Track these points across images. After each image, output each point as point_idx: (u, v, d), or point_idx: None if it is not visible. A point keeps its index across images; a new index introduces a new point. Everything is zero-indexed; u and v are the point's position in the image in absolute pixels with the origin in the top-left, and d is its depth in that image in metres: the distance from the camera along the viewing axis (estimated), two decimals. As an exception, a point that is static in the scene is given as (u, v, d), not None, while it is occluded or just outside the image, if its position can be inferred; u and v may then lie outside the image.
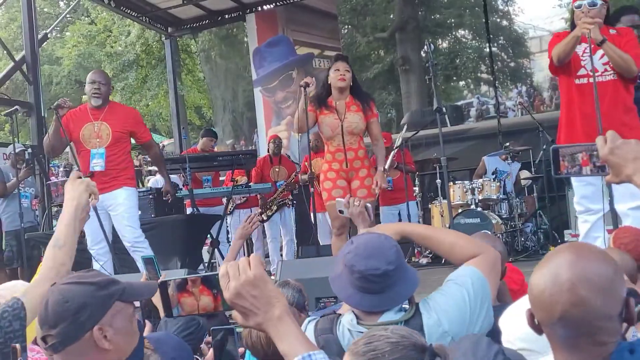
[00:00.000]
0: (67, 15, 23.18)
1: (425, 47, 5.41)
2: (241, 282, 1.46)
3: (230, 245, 8.14)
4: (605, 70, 4.27)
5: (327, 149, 5.30)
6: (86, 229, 5.25)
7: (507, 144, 8.52)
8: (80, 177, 2.43)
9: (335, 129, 5.09)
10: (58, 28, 25.31)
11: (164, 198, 6.01)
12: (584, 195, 4.32)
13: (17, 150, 7.56)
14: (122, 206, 5.38)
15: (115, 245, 5.50)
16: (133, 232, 5.39)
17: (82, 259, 5.32)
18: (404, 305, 1.97)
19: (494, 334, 1.94)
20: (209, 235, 7.23)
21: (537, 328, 1.42)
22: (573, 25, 4.40)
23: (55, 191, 7.20)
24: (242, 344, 2.22)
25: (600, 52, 4.22)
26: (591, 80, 4.20)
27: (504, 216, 7.64)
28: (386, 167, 5.11)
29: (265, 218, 7.85)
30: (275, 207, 7.86)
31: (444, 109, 5.31)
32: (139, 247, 5.35)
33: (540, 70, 19.54)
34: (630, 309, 1.37)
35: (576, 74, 4.37)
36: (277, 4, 11.15)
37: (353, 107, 5.15)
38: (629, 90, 4.33)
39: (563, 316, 1.33)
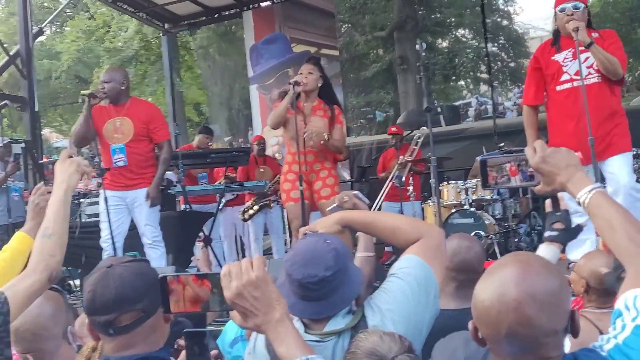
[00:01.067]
0: (67, 11, 23.16)
1: (417, 46, 5.38)
2: (243, 282, 1.46)
3: (222, 242, 8.15)
4: (589, 73, 4.30)
5: (288, 149, 5.32)
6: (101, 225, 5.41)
7: (502, 144, 8.50)
8: (71, 157, 2.30)
9: (299, 130, 5.07)
10: (58, 23, 25.33)
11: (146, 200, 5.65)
12: (571, 196, 4.33)
13: (4, 142, 7.48)
14: (146, 205, 5.49)
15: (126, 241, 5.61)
16: (153, 231, 5.55)
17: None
18: (354, 308, 1.92)
19: None
20: (201, 233, 7.22)
21: (482, 342, 1.41)
22: (556, 30, 4.46)
23: (48, 173, 7.13)
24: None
25: (583, 55, 4.24)
26: (575, 84, 4.25)
27: (497, 217, 7.62)
28: (329, 139, 5.12)
29: (246, 217, 7.85)
30: (257, 207, 7.84)
31: (438, 109, 5.32)
32: (156, 245, 5.53)
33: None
34: (575, 322, 1.37)
35: (558, 80, 4.43)
36: (275, 1, 11.13)
37: (319, 112, 5.17)
38: (614, 92, 4.36)
39: (509, 334, 1.32)
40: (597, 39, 4.30)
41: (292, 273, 1.87)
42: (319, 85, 5.19)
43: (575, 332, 1.38)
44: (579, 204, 1.67)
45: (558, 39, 4.50)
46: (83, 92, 5.36)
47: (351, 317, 1.89)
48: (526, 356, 1.34)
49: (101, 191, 5.46)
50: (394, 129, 8.63)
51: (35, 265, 2.04)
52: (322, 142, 5.08)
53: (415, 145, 7.31)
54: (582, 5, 4.32)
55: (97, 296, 1.66)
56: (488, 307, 1.35)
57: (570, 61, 4.37)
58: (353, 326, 1.86)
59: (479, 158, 8.39)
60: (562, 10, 4.35)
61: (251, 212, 7.86)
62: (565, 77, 4.39)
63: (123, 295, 1.64)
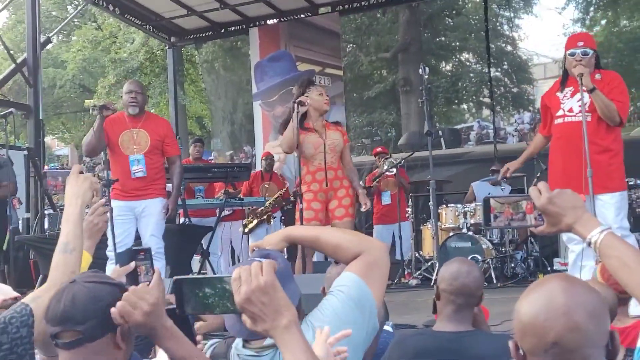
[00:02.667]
0: (75, 20, 23.31)
1: (420, 70, 5.45)
2: (252, 287, 1.47)
3: (220, 256, 8.17)
4: (580, 111, 4.41)
5: (306, 169, 5.34)
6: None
7: (493, 167, 8.55)
8: (82, 172, 2.31)
9: (318, 147, 5.16)
10: (65, 32, 25.46)
11: (166, 218, 5.88)
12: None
13: None
14: (155, 216, 5.60)
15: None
16: (157, 242, 5.59)
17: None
18: None
19: None
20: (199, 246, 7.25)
21: (522, 359, 1.40)
22: (565, 70, 4.62)
23: (53, 182, 7.11)
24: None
25: (578, 94, 4.39)
26: (567, 119, 4.48)
27: (495, 241, 7.65)
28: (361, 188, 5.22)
29: (246, 231, 7.89)
30: (255, 221, 7.88)
31: (439, 132, 5.40)
32: (158, 257, 5.51)
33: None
34: (615, 342, 1.37)
35: (555, 115, 4.61)
36: (281, 19, 11.22)
37: (332, 127, 5.30)
38: (609, 131, 4.45)
39: (557, 342, 1.32)
40: (599, 81, 4.46)
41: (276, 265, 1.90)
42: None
43: (614, 354, 1.38)
44: (589, 244, 1.70)
45: (566, 79, 4.66)
46: (94, 103, 5.44)
47: None
48: None
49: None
50: (379, 149, 8.71)
51: (58, 280, 2.05)
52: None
53: (391, 169, 7.42)
54: (590, 52, 4.49)
55: (50, 308, 1.70)
56: (535, 314, 1.35)
57: (568, 99, 4.58)
58: None
59: (473, 184, 8.49)
60: (572, 54, 4.52)
61: (251, 225, 7.90)
62: (559, 112, 4.59)
63: (68, 314, 1.66)
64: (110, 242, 5.45)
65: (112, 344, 1.70)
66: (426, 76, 5.20)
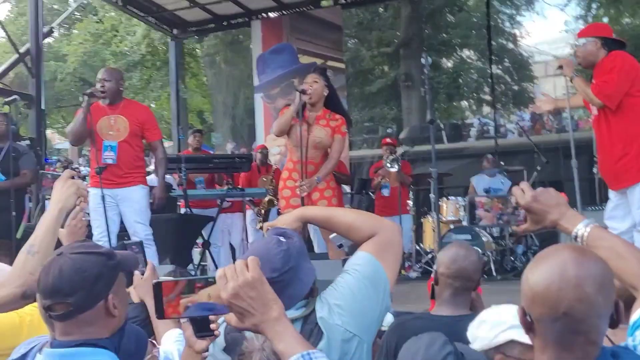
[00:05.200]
0: (76, 13, 23.29)
1: (422, 60, 5.46)
2: (239, 283, 1.49)
3: (222, 248, 8.19)
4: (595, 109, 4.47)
5: (289, 156, 5.36)
6: (94, 222, 5.41)
7: (489, 155, 8.61)
8: (73, 177, 2.35)
9: (302, 139, 5.07)
10: (66, 25, 25.44)
11: (151, 201, 5.80)
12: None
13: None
14: (138, 204, 5.53)
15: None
16: (145, 229, 5.54)
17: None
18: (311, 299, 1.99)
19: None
20: (200, 237, 7.26)
21: (529, 326, 1.44)
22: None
23: (46, 183, 7.12)
24: None
25: None
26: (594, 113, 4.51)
27: (495, 235, 7.67)
28: (320, 177, 5.13)
29: (262, 225, 7.86)
30: (263, 212, 7.88)
31: (440, 124, 5.39)
32: (149, 243, 5.47)
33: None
34: (620, 311, 1.42)
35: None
36: (283, 12, 11.23)
37: (322, 122, 5.17)
38: (611, 122, 4.40)
39: (567, 312, 1.36)
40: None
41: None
42: (325, 94, 5.19)
43: (617, 322, 1.44)
44: (575, 238, 1.75)
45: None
46: (85, 92, 5.46)
47: (304, 308, 1.96)
48: (576, 337, 1.39)
49: (90, 189, 5.33)
50: (388, 140, 8.68)
51: (14, 279, 2.09)
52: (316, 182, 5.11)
53: (393, 166, 7.43)
54: (584, 40, 4.54)
55: (41, 281, 1.71)
56: (548, 284, 1.39)
57: None
58: (305, 316, 1.93)
59: (472, 179, 8.52)
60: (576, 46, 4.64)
61: (262, 218, 7.87)
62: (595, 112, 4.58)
63: (57, 287, 1.68)
64: (95, 230, 5.42)
65: (104, 312, 1.71)
66: (429, 66, 5.18)
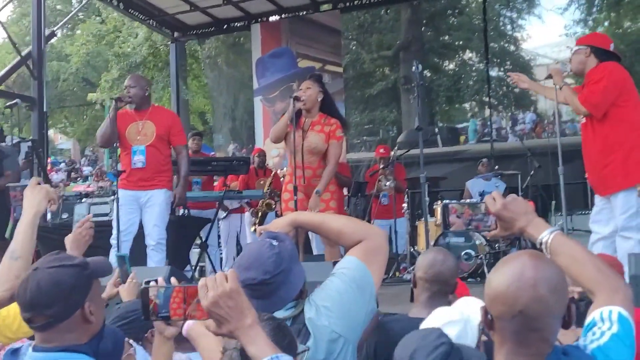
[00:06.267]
0: (79, 14, 23.42)
1: (414, 68, 5.56)
2: (219, 293, 1.61)
3: (220, 249, 8.29)
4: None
5: (289, 161, 5.45)
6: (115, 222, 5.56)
7: (484, 159, 8.71)
8: (39, 184, 2.48)
9: (297, 146, 5.15)
10: (69, 26, 25.57)
11: (174, 207, 6.07)
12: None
13: (13, 142, 7.62)
14: (159, 207, 5.70)
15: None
16: (160, 232, 5.71)
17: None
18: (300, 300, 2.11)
19: None
20: (198, 238, 7.36)
21: (489, 323, 1.58)
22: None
23: (15, 195, 7.21)
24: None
25: None
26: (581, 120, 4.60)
27: (492, 227, 7.71)
28: (319, 189, 5.20)
29: (256, 229, 7.93)
30: (259, 215, 7.98)
31: (436, 129, 5.49)
32: (160, 248, 5.69)
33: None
34: (571, 312, 1.58)
35: None
36: (283, 16, 11.35)
37: (317, 127, 5.21)
38: (596, 131, 4.48)
39: (523, 310, 1.50)
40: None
41: (238, 275, 2.05)
42: (319, 100, 5.25)
43: (569, 323, 1.59)
44: (540, 244, 1.87)
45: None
46: (112, 96, 5.64)
47: (293, 309, 2.09)
48: (530, 334, 1.53)
49: (119, 190, 5.61)
50: (381, 149, 8.62)
51: (1, 283, 2.22)
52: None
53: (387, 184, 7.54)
54: (576, 48, 4.63)
55: (20, 295, 1.84)
56: (507, 285, 1.54)
57: None
58: (294, 316, 2.06)
59: (467, 183, 8.60)
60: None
61: (258, 220, 7.97)
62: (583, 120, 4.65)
63: (35, 301, 1.80)
64: (114, 230, 5.57)
65: (81, 319, 1.83)
66: (419, 74, 5.28)
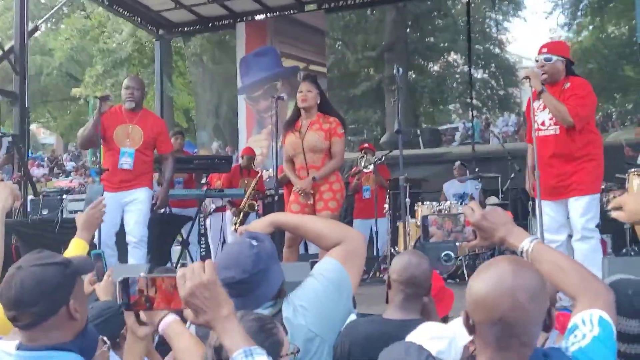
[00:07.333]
0: (64, 8, 23.29)
1: (394, 71, 5.63)
2: (195, 283, 1.64)
3: (201, 247, 8.29)
4: (550, 125, 4.58)
5: (293, 166, 5.43)
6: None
7: (457, 162, 8.81)
8: (2, 180, 2.55)
9: (297, 147, 5.21)
10: (53, 20, 25.40)
11: (153, 202, 6.03)
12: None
13: None
14: (141, 204, 5.73)
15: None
16: (142, 229, 5.73)
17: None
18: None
19: None
20: (179, 236, 7.38)
21: (471, 328, 1.62)
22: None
23: None
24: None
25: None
26: (540, 133, 4.58)
27: (469, 238, 7.77)
28: (317, 176, 5.25)
29: (236, 227, 7.97)
30: (241, 216, 7.99)
31: (418, 131, 5.53)
32: (141, 245, 5.71)
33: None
34: (551, 317, 1.61)
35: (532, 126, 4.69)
36: (268, 15, 11.37)
37: (315, 126, 5.25)
38: (575, 141, 4.52)
39: (502, 318, 1.53)
40: (567, 90, 4.55)
41: (218, 273, 2.09)
42: (317, 102, 5.29)
43: (549, 327, 1.62)
44: (521, 253, 1.90)
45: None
46: (97, 96, 5.65)
47: (271, 308, 2.12)
48: (510, 340, 1.56)
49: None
50: (365, 145, 8.77)
51: None
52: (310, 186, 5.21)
53: (368, 166, 7.57)
54: (554, 58, 4.60)
55: (3, 294, 1.85)
56: (486, 293, 1.57)
57: (541, 111, 4.65)
58: (272, 315, 2.08)
59: (444, 185, 8.68)
60: (536, 60, 4.69)
61: (238, 220, 7.97)
62: (535, 125, 4.65)
63: (19, 299, 1.81)
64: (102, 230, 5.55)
65: (66, 317, 1.85)
66: (399, 77, 5.33)
